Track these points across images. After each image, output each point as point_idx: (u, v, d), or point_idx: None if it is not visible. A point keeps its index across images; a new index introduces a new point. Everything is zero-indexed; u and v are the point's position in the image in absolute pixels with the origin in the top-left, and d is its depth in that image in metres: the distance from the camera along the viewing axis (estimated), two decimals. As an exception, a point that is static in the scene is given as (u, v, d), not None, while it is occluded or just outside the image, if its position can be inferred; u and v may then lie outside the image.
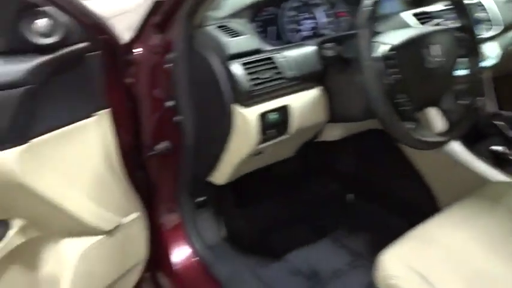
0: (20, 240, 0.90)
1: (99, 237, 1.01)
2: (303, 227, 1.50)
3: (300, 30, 1.19)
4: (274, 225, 1.49)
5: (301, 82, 1.05)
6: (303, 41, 1.14)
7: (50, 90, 0.86)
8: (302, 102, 1.05)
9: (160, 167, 1.18)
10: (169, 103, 1.08)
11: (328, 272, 1.30)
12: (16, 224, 0.89)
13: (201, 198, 1.25)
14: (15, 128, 0.81)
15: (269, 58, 1.02)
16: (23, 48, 0.82)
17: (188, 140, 1.10)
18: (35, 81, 0.82)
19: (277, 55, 1.03)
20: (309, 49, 1.07)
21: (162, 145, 1.12)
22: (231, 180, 1.16)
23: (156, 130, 1.13)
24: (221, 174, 1.13)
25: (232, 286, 1.17)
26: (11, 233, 0.87)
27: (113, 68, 0.99)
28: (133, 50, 1.05)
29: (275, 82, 1.00)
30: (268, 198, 1.57)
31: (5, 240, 0.86)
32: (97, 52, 0.94)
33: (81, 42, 0.89)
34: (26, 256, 0.96)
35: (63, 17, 0.85)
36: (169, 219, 1.23)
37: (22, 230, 0.90)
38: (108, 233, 1.02)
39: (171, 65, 1.04)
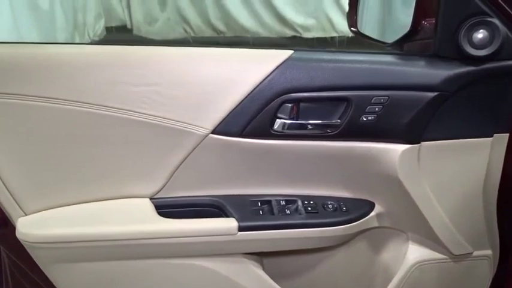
0: (373, 224, 0.97)
1: (443, 256, 0.97)
2: None
3: None
4: None
5: None
6: None
7: (460, 100, 0.84)
8: None
9: None
10: None
11: None
12: (377, 209, 0.96)
13: None
14: (413, 128, 0.85)
15: None
16: (451, 54, 0.83)
17: None
18: (450, 89, 0.82)
19: None
20: None
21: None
22: None
23: None
24: None
25: None
26: (372, 214, 0.95)
27: None
28: None
29: None
30: None
31: (366, 218, 0.94)
32: None
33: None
34: (371, 238, 1.03)
35: (503, 29, 0.80)
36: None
37: (379, 216, 0.96)
38: (453, 257, 0.97)
39: None
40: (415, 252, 0.97)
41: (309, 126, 0.85)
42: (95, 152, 0.84)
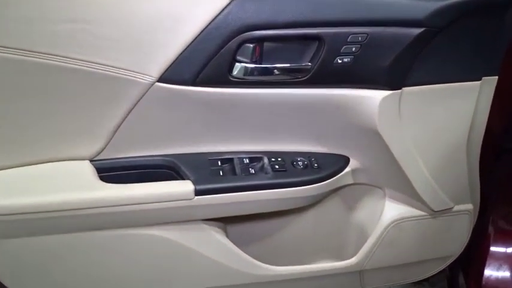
0: (348, 180, 0.88)
1: (422, 213, 0.89)
2: None
3: None
4: None
5: None
6: None
7: (448, 38, 0.73)
8: None
9: None
10: None
11: None
12: (352, 164, 0.87)
13: None
14: (395, 71, 0.74)
15: None
16: None
17: None
18: (439, 24, 0.70)
19: None
20: None
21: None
22: None
23: None
24: None
25: None
26: (347, 170, 0.85)
27: None
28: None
29: None
30: None
31: (340, 174, 0.84)
32: None
33: None
34: (344, 196, 0.95)
35: None
36: (502, 227, 1.00)
37: (354, 172, 0.87)
38: (433, 213, 0.89)
39: None
40: (392, 210, 0.89)
41: (275, 71, 0.72)
42: (19, 107, 0.69)
